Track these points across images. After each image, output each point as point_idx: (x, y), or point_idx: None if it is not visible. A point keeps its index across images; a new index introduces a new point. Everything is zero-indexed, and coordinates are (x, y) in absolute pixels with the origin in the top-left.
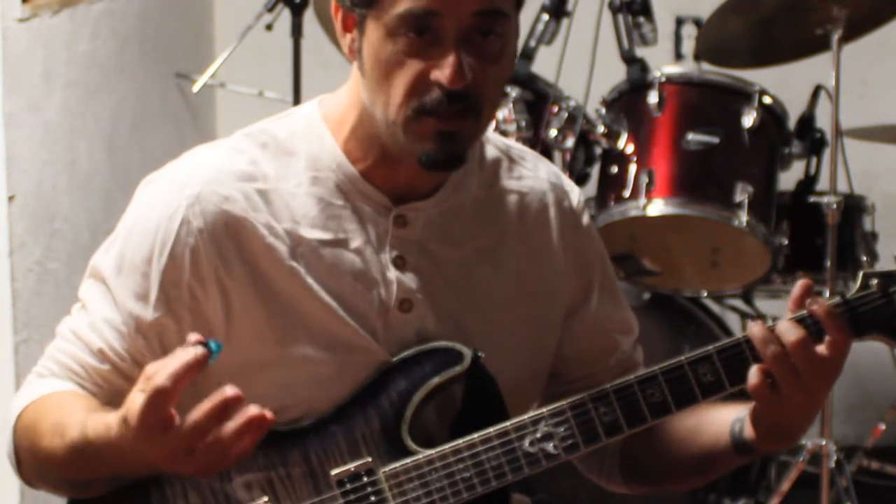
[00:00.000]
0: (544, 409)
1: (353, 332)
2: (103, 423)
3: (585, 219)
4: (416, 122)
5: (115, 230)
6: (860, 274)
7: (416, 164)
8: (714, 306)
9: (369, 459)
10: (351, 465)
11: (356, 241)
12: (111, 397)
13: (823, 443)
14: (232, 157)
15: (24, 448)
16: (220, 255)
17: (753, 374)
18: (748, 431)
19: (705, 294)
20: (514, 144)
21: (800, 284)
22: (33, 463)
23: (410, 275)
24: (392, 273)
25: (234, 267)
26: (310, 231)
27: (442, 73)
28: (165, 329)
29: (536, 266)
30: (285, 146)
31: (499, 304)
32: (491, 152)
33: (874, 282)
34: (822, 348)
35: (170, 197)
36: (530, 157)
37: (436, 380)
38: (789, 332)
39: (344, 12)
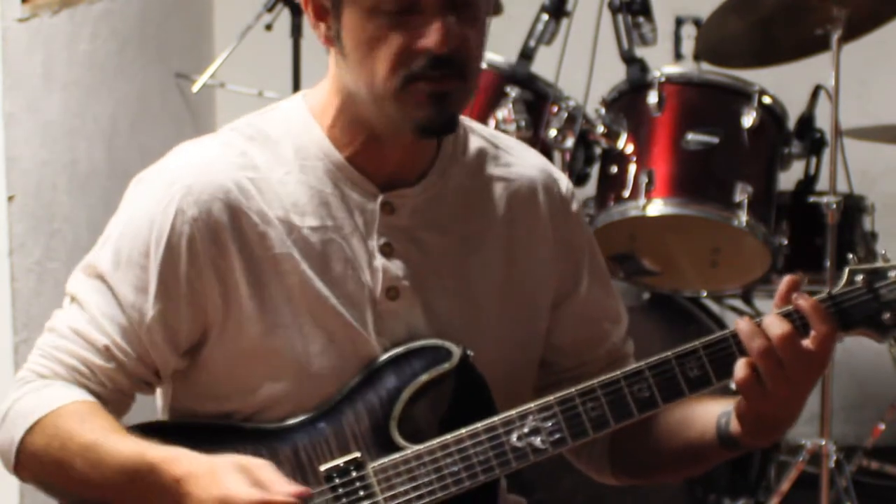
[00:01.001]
0: (532, 404)
1: (344, 322)
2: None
3: (574, 206)
4: (405, 91)
5: (107, 229)
6: (846, 269)
7: (410, 134)
8: (714, 306)
9: (358, 454)
10: (339, 461)
11: (345, 228)
12: (115, 396)
13: (823, 443)
14: (221, 150)
15: (39, 458)
16: (216, 243)
17: (739, 368)
18: (734, 426)
19: (705, 294)
20: (499, 134)
21: (786, 280)
22: (46, 475)
23: (397, 262)
24: (378, 260)
25: (229, 254)
26: (301, 218)
27: (429, 40)
28: (168, 321)
29: (525, 253)
30: (272, 137)
31: (487, 291)
32: (475, 141)
33: (860, 277)
34: (807, 342)
35: (163, 191)
36: (516, 145)
37: (424, 377)
38: (775, 326)
39: (314, 2)
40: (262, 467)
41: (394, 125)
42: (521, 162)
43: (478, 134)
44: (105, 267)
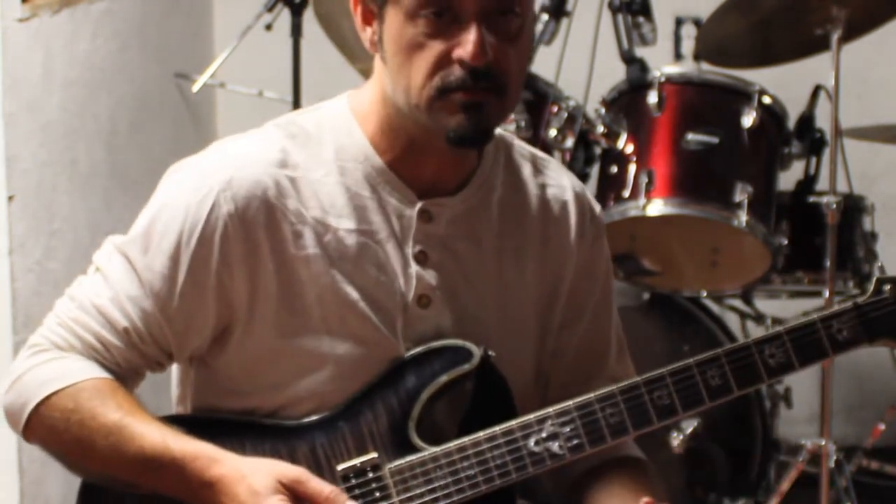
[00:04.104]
0: (550, 409)
1: (372, 326)
2: (202, 454)
3: (601, 234)
4: (440, 100)
5: (140, 215)
6: (874, 279)
7: (444, 143)
8: (714, 306)
9: (375, 455)
10: (357, 461)
11: (381, 233)
12: (128, 374)
13: (823, 443)
14: (262, 146)
15: (55, 430)
16: (250, 240)
17: None
18: None
19: (705, 294)
20: (538, 152)
21: None
22: (59, 446)
23: (431, 271)
24: (413, 268)
25: (262, 252)
26: (337, 220)
27: (464, 50)
28: (191, 312)
29: (552, 271)
30: (314, 137)
31: (516, 304)
32: (516, 157)
33: (887, 287)
34: None
35: (200, 182)
36: (554, 165)
37: (444, 378)
38: None
39: (363, 6)
40: (301, 483)
41: (428, 133)
42: (557, 183)
43: (518, 149)
44: (134, 250)
